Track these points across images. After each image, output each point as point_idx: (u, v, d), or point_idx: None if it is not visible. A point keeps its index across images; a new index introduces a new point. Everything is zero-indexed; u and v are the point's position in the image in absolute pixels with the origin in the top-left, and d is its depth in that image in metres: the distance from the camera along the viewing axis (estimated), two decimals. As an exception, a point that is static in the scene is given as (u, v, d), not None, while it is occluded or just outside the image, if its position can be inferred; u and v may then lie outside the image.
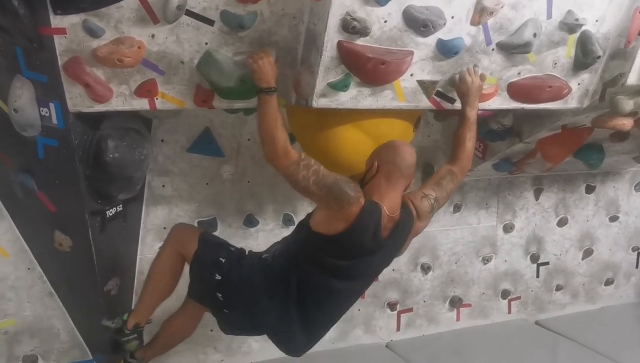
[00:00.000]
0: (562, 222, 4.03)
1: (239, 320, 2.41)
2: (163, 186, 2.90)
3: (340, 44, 2.08)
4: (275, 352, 3.22)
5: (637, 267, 4.43)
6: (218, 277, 2.31)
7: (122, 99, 2.21)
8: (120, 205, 2.65)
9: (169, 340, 2.64)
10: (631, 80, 2.54)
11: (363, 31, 2.05)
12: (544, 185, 3.90)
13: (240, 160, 3.02)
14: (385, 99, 2.28)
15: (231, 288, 2.32)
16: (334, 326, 3.17)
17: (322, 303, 2.30)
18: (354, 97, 2.23)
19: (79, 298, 2.74)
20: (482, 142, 3.28)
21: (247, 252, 2.43)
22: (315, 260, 2.19)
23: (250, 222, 3.09)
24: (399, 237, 2.22)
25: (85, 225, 2.44)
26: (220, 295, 2.34)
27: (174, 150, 2.89)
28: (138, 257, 2.90)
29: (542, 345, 3.64)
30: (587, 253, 4.18)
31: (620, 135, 3.19)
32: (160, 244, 2.90)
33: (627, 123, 2.83)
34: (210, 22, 2.11)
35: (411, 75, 2.26)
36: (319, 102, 2.20)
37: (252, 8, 2.11)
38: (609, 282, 4.33)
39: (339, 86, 2.17)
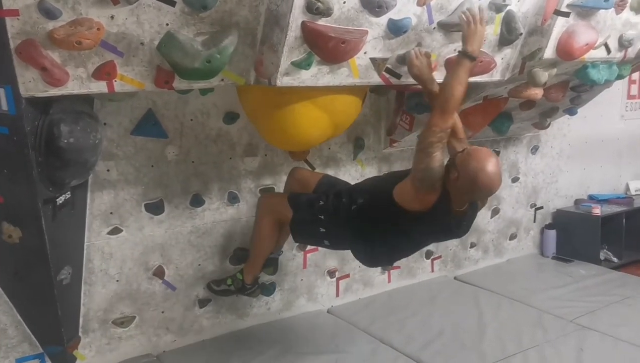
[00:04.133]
0: (473, 185, 4.41)
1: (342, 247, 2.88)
2: (108, 170, 2.84)
3: (304, 24, 2.18)
4: (225, 327, 3.33)
5: (534, 221, 4.95)
6: (322, 229, 2.64)
7: (78, 83, 2.15)
8: (69, 192, 2.58)
9: (263, 252, 2.90)
10: (547, 54, 2.87)
11: (326, 12, 2.16)
12: (458, 152, 4.23)
13: (184, 140, 3.02)
14: (341, 76, 2.41)
15: (335, 234, 2.66)
16: (280, 297, 3.34)
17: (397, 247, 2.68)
18: (314, 75, 2.34)
19: (28, 291, 2.63)
20: (409, 115, 3.52)
21: (334, 198, 2.65)
22: (395, 223, 2.48)
23: (197, 201, 3.11)
24: (467, 225, 2.52)
25: (37, 214, 2.35)
26: (327, 241, 2.73)
27: (117, 133, 2.83)
28: (85, 244, 2.83)
29: (463, 297, 4.00)
30: (495, 212, 4.61)
31: (529, 104, 3.56)
32: (107, 230, 2.89)
33: (538, 92, 3.19)
34: (171, 2, 2.10)
35: (365, 53, 2.41)
36: (282, 81, 2.28)
37: (214, -11, 2.13)
38: (512, 237, 4.81)
39: (303, 65, 2.26)
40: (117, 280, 2.96)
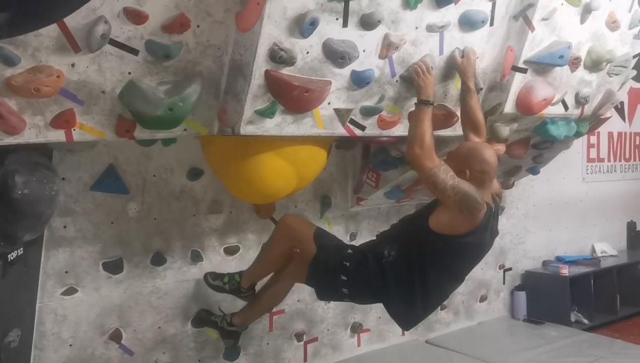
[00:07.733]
0: (441, 246, 4.38)
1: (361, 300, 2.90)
2: (65, 227, 2.73)
3: (267, 73, 2.19)
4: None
5: (504, 283, 4.91)
6: (344, 277, 2.59)
7: (35, 131, 2.10)
8: (22, 249, 2.46)
9: (265, 306, 3.01)
10: (507, 109, 2.95)
11: (289, 61, 2.17)
12: (425, 212, 4.23)
13: (146, 196, 2.95)
14: (305, 126, 2.41)
15: (358, 286, 2.62)
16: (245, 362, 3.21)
17: (442, 287, 2.68)
18: (278, 124, 2.33)
19: (-28, 355, 2.45)
20: (375, 172, 3.52)
21: (362, 251, 2.66)
22: (436, 262, 2.51)
23: (158, 260, 3.00)
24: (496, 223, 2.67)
25: (-14, 271, 2.24)
26: (346, 290, 2.64)
27: (76, 189, 2.75)
28: (37, 304, 2.67)
29: (435, 361, 3.88)
30: (464, 273, 4.56)
31: (493, 161, 3.60)
32: (61, 290, 2.75)
33: (501, 148, 3.22)
34: (134, 51, 2.10)
35: (329, 103, 2.42)
36: (246, 129, 2.27)
37: (177, 38, 2.14)
38: (483, 299, 4.74)
39: (266, 113, 2.26)
40: (71, 345, 2.79)
